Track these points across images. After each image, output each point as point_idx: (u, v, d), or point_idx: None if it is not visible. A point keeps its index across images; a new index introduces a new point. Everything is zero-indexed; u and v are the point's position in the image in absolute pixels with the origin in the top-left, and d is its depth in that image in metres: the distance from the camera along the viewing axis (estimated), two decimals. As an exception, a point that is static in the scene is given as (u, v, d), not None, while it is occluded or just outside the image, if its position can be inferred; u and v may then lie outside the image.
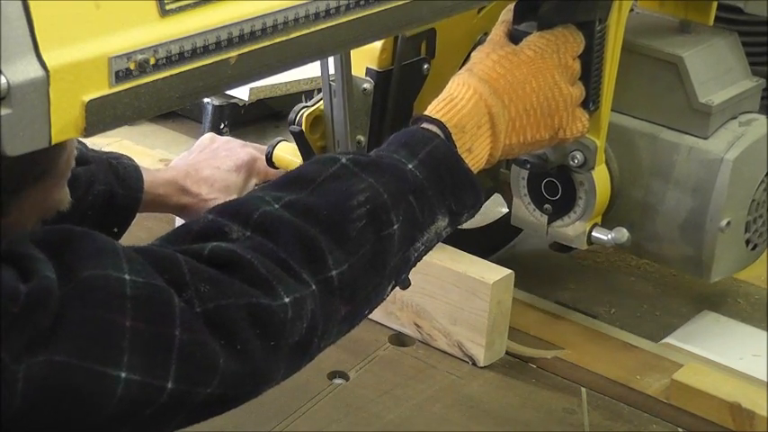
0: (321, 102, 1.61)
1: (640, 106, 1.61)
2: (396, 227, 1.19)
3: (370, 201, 1.17)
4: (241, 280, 1.08)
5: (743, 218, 1.60)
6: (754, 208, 1.61)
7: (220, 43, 1.04)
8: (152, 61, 0.99)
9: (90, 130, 0.96)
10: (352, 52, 1.53)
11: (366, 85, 1.60)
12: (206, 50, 1.03)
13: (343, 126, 1.57)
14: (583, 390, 1.56)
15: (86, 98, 0.95)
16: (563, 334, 1.66)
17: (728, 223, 1.57)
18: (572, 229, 1.58)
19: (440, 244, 1.62)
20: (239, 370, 1.07)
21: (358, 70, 1.59)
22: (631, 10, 1.59)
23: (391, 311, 1.65)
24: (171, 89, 1.01)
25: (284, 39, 1.09)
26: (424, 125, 1.29)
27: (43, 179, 1.13)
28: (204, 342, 1.05)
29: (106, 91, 0.96)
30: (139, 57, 0.98)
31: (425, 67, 1.63)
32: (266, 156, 1.70)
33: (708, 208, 1.57)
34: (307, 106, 1.62)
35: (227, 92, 2.19)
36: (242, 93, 2.23)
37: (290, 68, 1.13)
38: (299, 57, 1.12)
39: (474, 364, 1.60)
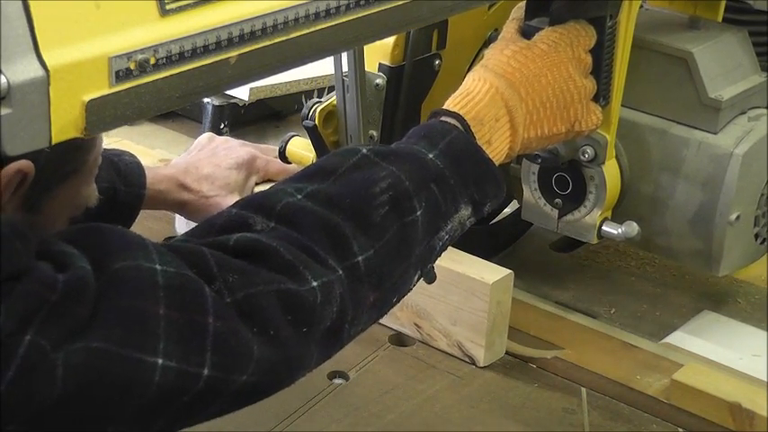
0: (334, 97, 1.62)
1: (650, 101, 1.62)
2: (419, 213, 1.20)
3: (392, 187, 1.19)
4: (268, 268, 1.09)
5: (752, 212, 1.61)
6: (764, 202, 1.62)
7: (220, 43, 1.04)
8: (152, 61, 0.99)
9: (90, 130, 0.96)
10: (365, 48, 1.55)
11: (379, 81, 1.62)
12: (206, 50, 1.03)
13: (356, 121, 1.59)
14: (583, 390, 1.56)
15: (86, 98, 0.95)
16: (563, 334, 1.66)
17: (738, 217, 1.58)
18: (582, 223, 1.59)
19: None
20: (273, 357, 1.08)
21: (371, 66, 1.61)
22: (641, 6, 1.60)
23: (391, 311, 1.65)
24: (171, 89, 1.01)
25: (284, 39, 1.09)
26: (443, 118, 1.30)
27: (74, 177, 1.16)
28: (237, 330, 1.06)
29: (106, 91, 0.96)
30: (139, 56, 0.98)
31: (437, 62, 1.65)
32: (279, 150, 1.71)
33: (717, 202, 1.58)
34: (320, 101, 1.64)
35: (227, 92, 2.19)
36: (242, 93, 2.23)
37: (290, 68, 1.13)
38: (299, 57, 1.12)
39: (474, 364, 1.60)
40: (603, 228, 1.58)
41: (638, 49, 1.56)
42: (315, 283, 1.11)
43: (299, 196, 1.16)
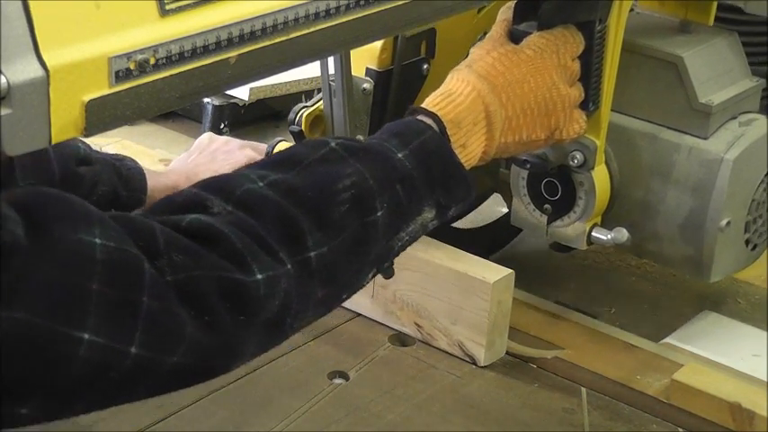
0: (321, 101, 1.61)
1: (640, 106, 1.61)
2: (380, 214, 1.19)
3: (355, 186, 1.18)
4: (216, 253, 1.08)
5: (743, 218, 1.60)
6: (755, 208, 1.61)
7: (220, 43, 1.04)
8: (152, 61, 0.99)
9: (90, 130, 0.96)
10: (352, 52, 1.53)
11: (366, 85, 1.61)
12: (206, 50, 1.03)
13: (343, 126, 1.58)
14: (583, 390, 1.56)
15: (86, 98, 0.95)
16: (563, 334, 1.66)
17: (728, 223, 1.57)
18: (572, 229, 1.58)
19: (440, 243, 1.64)
20: (207, 341, 1.07)
21: (358, 70, 1.59)
22: (631, 10, 1.59)
23: (391, 311, 1.65)
24: (171, 89, 1.01)
25: (284, 39, 1.09)
26: (420, 117, 1.29)
27: None
28: (172, 310, 1.04)
29: (106, 91, 0.96)
30: (139, 57, 0.98)
31: (425, 67, 1.64)
32: (266, 155, 1.70)
33: (708, 208, 1.57)
34: (306, 106, 1.63)
35: (227, 92, 2.19)
36: (242, 93, 2.24)
37: (290, 68, 1.13)
38: (299, 57, 1.12)
39: (474, 364, 1.60)
40: (593, 234, 1.58)
41: (629, 53, 1.55)
42: (260, 276, 1.09)
43: (261, 183, 1.15)
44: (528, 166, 1.56)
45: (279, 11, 1.08)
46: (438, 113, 1.30)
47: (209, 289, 1.06)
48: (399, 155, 1.23)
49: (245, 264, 1.09)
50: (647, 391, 1.55)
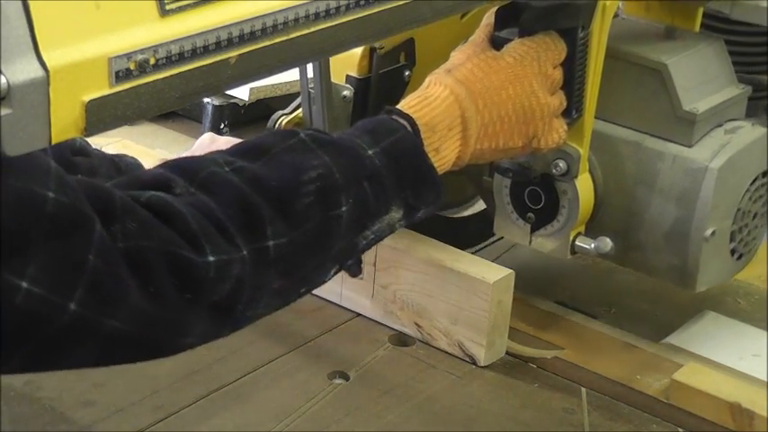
0: (300, 109, 1.59)
1: (625, 114, 1.58)
2: (344, 209, 1.18)
3: (321, 178, 1.17)
4: (171, 229, 1.07)
5: (728, 227, 1.57)
6: (740, 217, 1.58)
7: (220, 43, 1.04)
8: (152, 61, 0.99)
9: (90, 130, 0.96)
10: (332, 59, 1.50)
11: (346, 93, 1.58)
12: (206, 50, 1.03)
13: None
14: (583, 390, 1.56)
15: (86, 98, 0.95)
16: (563, 334, 1.66)
17: (713, 233, 1.54)
18: (555, 238, 1.57)
19: (440, 243, 1.64)
20: (151, 311, 1.06)
21: (338, 77, 1.57)
22: (616, 15, 1.58)
23: (391, 311, 1.65)
24: (171, 89, 1.01)
25: (284, 39, 1.09)
26: (395, 117, 1.28)
27: None
28: (119, 274, 1.04)
29: (106, 91, 0.96)
30: (139, 57, 0.98)
31: (407, 74, 1.62)
32: None
33: (692, 217, 1.54)
34: (285, 113, 1.60)
35: (227, 92, 2.19)
36: (242, 93, 2.24)
37: (289, 68, 1.13)
38: (299, 57, 1.12)
39: (474, 364, 1.60)
40: (577, 243, 1.56)
41: (613, 59, 1.53)
42: (211, 258, 1.08)
43: (227, 168, 1.14)
44: (510, 174, 1.54)
45: (279, 11, 1.08)
46: (413, 116, 1.28)
47: (158, 261, 1.06)
48: (370, 152, 1.22)
49: (198, 244, 1.08)
50: (647, 391, 1.55)
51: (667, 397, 1.54)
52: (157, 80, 1.00)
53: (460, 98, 1.33)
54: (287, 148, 1.18)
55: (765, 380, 1.54)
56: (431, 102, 1.31)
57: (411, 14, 1.21)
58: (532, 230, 1.58)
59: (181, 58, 1.01)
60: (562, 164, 1.52)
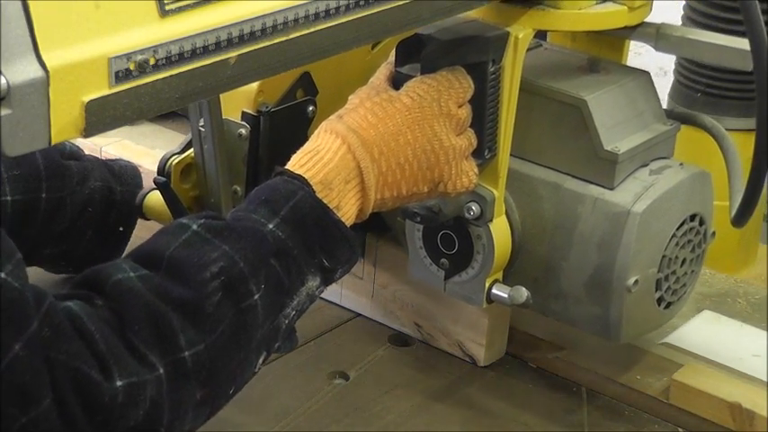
0: (192, 149, 1.48)
1: (544, 152, 1.46)
2: (257, 297, 1.12)
3: (224, 271, 1.10)
4: (83, 343, 1.02)
5: (653, 275, 1.45)
6: (666, 264, 1.45)
7: (220, 43, 1.04)
8: (152, 61, 0.99)
9: (90, 131, 0.96)
10: (226, 95, 1.39)
11: (242, 131, 1.46)
12: (206, 51, 1.03)
13: (215, 176, 1.45)
14: (583, 390, 1.56)
15: (86, 98, 0.95)
16: (563, 334, 1.66)
17: (636, 281, 1.42)
18: (470, 285, 1.46)
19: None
20: (61, 427, 1.00)
21: (233, 113, 1.46)
22: (539, 45, 1.50)
23: (391, 311, 1.65)
24: (171, 89, 1.01)
25: (284, 39, 1.09)
26: (287, 178, 1.20)
27: None
28: (39, 371, 0.99)
29: (106, 91, 0.96)
30: (139, 57, 0.98)
31: (311, 108, 1.51)
32: (136, 206, 1.57)
33: (614, 265, 1.42)
34: (176, 153, 1.50)
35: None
36: (242, 93, 2.23)
37: (290, 68, 1.13)
38: (299, 57, 1.12)
39: (474, 363, 1.60)
40: (493, 291, 1.45)
41: (530, 94, 1.42)
42: (119, 383, 1.02)
43: (132, 274, 1.08)
44: (418, 219, 1.40)
45: (279, 11, 1.08)
46: (305, 175, 1.20)
47: (63, 378, 1.00)
48: (270, 225, 1.15)
49: (106, 367, 1.03)
50: (647, 391, 1.55)
51: (667, 397, 1.54)
52: (157, 80, 1.00)
53: (353, 147, 1.24)
54: (182, 244, 1.11)
55: (765, 380, 1.54)
56: (323, 156, 1.23)
57: (410, 15, 1.21)
58: (446, 277, 1.47)
59: (180, 58, 1.01)
60: (475, 207, 1.41)
